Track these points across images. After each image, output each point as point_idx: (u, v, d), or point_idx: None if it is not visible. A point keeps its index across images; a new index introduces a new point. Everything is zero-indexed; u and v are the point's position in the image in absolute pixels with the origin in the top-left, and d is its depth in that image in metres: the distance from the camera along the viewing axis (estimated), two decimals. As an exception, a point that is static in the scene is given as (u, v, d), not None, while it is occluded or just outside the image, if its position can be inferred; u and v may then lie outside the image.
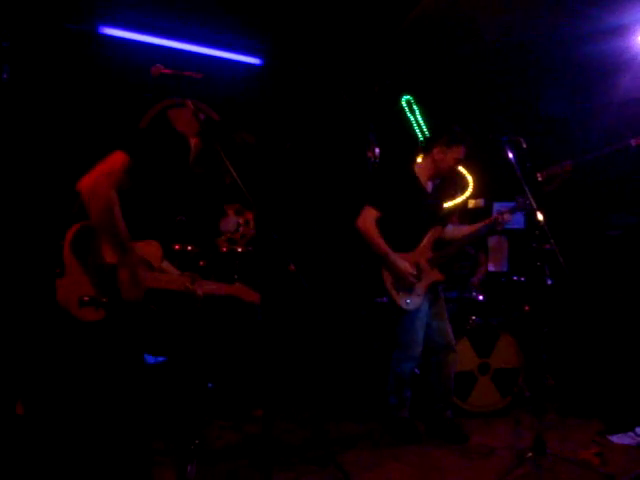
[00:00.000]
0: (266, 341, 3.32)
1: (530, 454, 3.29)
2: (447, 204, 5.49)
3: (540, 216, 3.30)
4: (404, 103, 5.69)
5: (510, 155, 3.38)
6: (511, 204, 3.87)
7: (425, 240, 3.95)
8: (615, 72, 4.83)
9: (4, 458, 3.08)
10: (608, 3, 4.32)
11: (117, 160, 2.27)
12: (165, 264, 2.67)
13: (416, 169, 4.03)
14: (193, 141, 2.54)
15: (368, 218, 3.83)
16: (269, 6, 4.50)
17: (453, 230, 4.15)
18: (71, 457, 3.12)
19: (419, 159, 4.13)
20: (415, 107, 5.67)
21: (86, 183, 2.23)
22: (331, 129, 5.29)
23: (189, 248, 3.73)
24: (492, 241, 5.38)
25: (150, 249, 2.52)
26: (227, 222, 3.85)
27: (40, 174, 3.78)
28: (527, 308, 4.82)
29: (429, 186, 4.05)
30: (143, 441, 2.52)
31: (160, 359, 3.45)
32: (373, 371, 4.54)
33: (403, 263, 3.82)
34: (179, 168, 2.50)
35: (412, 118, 5.67)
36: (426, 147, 4.05)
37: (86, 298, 2.27)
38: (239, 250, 3.76)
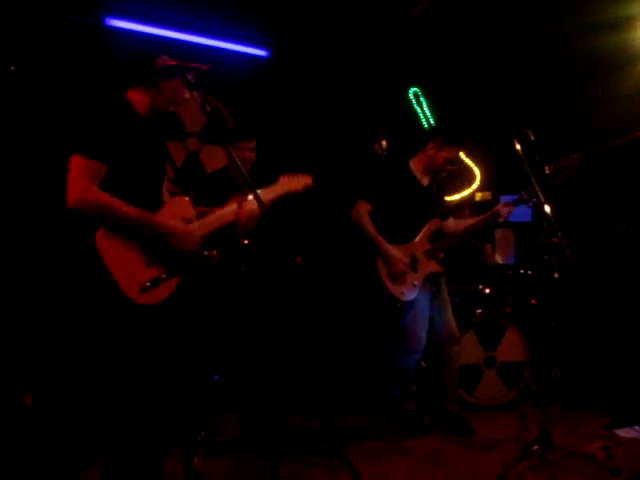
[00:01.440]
0: (272, 334, 3.33)
1: (536, 447, 3.30)
2: (454, 197, 5.50)
3: (548, 209, 3.29)
4: (411, 95, 5.66)
5: (518, 147, 3.37)
6: (515, 197, 3.86)
7: (422, 232, 3.96)
8: (623, 64, 4.80)
9: (15, 449, 3.11)
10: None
11: (75, 164, 2.32)
12: (202, 210, 2.71)
13: (412, 162, 4.05)
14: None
15: (360, 210, 3.91)
16: (276, -2, 4.49)
17: (454, 223, 4.15)
18: (81, 447, 3.15)
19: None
20: (422, 99, 5.65)
21: (69, 199, 2.30)
22: (338, 121, 5.28)
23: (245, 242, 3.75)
24: (499, 234, 5.37)
25: (179, 207, 2.58)
26: None
27: (46, 167, 3.79)
28: (534, 301, 4.81)
29: (425, 179, 4.07)
30: (158, 432, 2.54)
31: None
32: (379, 364, 4.54)
33: (394, 250, 3.84)
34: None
35: (419, 110, 5.65)
36: (421, 141, 4.05)
37: (147, 284, 2.36)
38: (245, 242, 3.76)
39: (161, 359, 2.49)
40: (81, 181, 2.30)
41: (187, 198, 2.63)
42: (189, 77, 2.59)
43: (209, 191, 4.10)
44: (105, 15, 4.37)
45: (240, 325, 3.89)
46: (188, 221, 2.56)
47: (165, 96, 2.54)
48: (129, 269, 2.34)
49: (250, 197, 2.74)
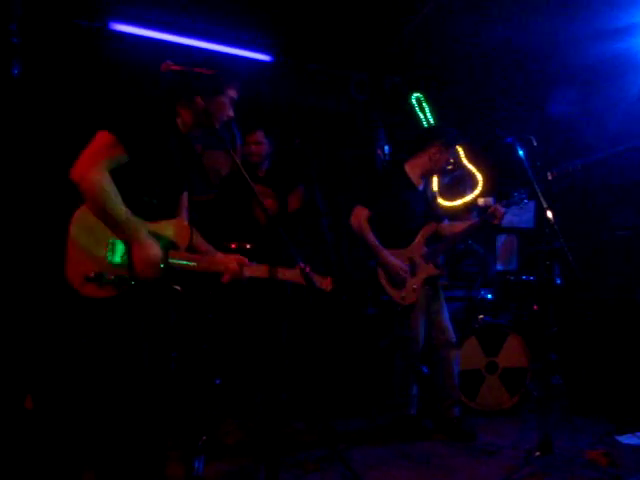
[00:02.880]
0: (276, 338, 3.33)
1: (537, 453, 3.29)
2: (456, 202, 5.50)
3: (550, 215, 3.29)
4: (414, 101, 5.68)
5: (520, 153, 3.37)
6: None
7: (419, 236, 3.98)
8: (625, 71, 4.81)
9: (14, 452, 3.11)
10: (617, 2, 4.29)
11: (100, 140, 2.26)
12: (200, 241, 2.65)
13: (407, 167, 4.05)
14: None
15: (359, 217, 3.91)
16: (280, 3, 4.50)
17: (450, 225, 4.16)
18: (82, 449, 3.14)
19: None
20: (425, 105, 5.66)
21: (75, 169, 2.22)
22: (341, 126, 5.29)
23: (247, 246, 3.75)
24: (501, 240, 5.37)
25: (175, 229, 2.51)
26: None
27: (50, 169, 3.80)
28: (536, 307, 4.81)
29: (421, 183, 4.08)
30: (157, 435, 2.53)
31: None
32: (380, 368, 4.54)
33: (393, 259, 3.85)
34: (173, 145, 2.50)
35: (422, 116, 5.66)
36: (420, 145, 4.05)
37: (91, 274, 2.25)
38: (247, 247, 3.77)
39: (135, 357, 2.39)
40: (96, 159, 2.23)
41: (187, 225, 2.55)
42: (234, 95, 2.59)
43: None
44: (109, 19, 4.39)
45: (242, 330, 3.89)
46: (175, 247, 2.48)
47: (211, 113, 2.52)
48: (86, 255, 2.27)
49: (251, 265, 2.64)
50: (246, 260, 2.61)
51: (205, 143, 4.88)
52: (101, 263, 2.29)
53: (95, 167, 2.22)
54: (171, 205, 2.57)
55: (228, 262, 2.58)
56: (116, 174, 2.28)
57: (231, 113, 2.61)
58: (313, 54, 5.14)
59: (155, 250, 2.36)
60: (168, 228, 2.48)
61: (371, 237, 3.88)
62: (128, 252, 2.33)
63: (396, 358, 3.98)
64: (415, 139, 4.21)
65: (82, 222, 2.28)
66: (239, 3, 4.44)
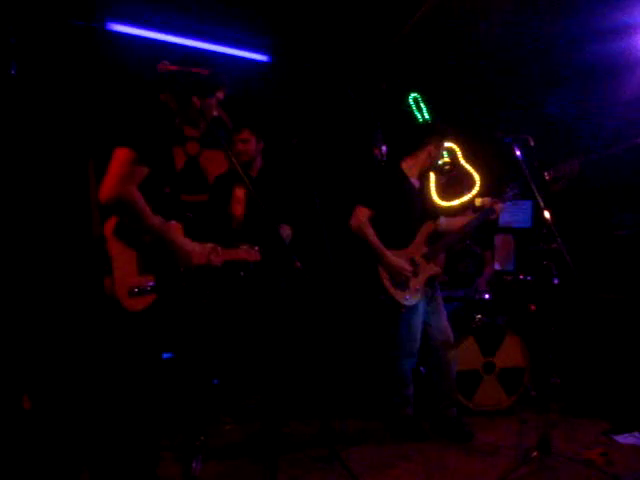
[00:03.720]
0: (275, 338, 3.33)
1: (535, 453, 3.30)
2: (454, 202, 5.50)
3: (547, 215, 3.29)
4: (411, 101, 5.67)
5: (518, 153, 3.37)
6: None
7: (419, 236, 3.97)
8: (622, 71, 4.81)
9: (11, 453, 3.10)
10: (615, 2, 4.29)
11: (120, 157, 2.29)
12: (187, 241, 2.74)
13: (404, 165, 4.05)
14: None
15: (361, 217, 3.87)
16: (276, 3, 4.50)
17: (448, 223, 4.15)
18: (78, 450, 3.14)
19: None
20: (422, 104, 5.66)
21: (103, 192, 2.27)
22: (338, 126, 5.29)
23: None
24: (498, 240, 5.37)
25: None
26: None
27: (47, 169, 3.79)
28: (533, 307, 4.81)
29: (417, 181, 4.08)
30: (151, 437, 2.54)
31: (166, 355, 3.46)
32: (377, 369, 4.54)
33: (397, 260, 3.84)
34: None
35: (419, 115, 5.66)
36: (417, 143, 4.06)
37: (136, 289, 2.39)
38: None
39: (148, 361, 2.51)
40: (124, 178, 2.27)
41: (176, 224, 2.63)
42: (221, 96, 2.65)
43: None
44: (106, 19, 4.38)
45: (239, 329, 3.89)
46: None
47: (199, 111, 2.58)
48: (124, 269, 2.38)
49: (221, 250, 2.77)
50: (218, 247, 2.76)
51: (202, 143, 4.89)
52: (139, 276, 2.43)
53: (125, 188, 2.27)
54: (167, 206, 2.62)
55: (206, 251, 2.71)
56: None
57: (215, 113, 2.66)
58: (310, 54, 5.13)
59: (192, 245, 2.58)
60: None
61: (373, 237, 3.84)
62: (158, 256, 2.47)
63: (394, 358, 3.97)
64: (411, 138, 4.20)
65: (114, 236, 2.39)
66: (236, 3, 4.44)
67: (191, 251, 2.55)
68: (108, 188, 2.25)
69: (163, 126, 2.46)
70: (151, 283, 2.45)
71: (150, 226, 2.37)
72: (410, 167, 4.05)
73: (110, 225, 2.38)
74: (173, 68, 2.54)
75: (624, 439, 3.85)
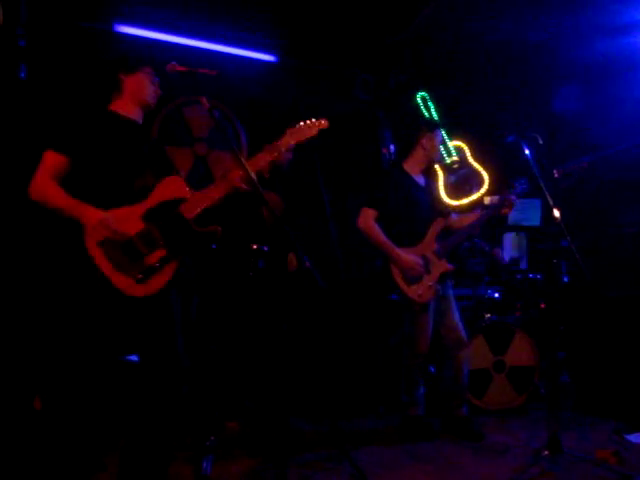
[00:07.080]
0: (284, 340, 3.33)
1: (546, 452, 3.28)
2: (463, 201, 5.49)
3: (557, 213, 3.27)
4: (419, 99, 5.67)
5: (527, 152, 3.36)
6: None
7: (429, 233, 3.96)
8: (631, 68, 4.78)
9: (25, 454, 3.12)
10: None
11: (44, 159, 2.55)
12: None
13: (406, 166, 4.07)
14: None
15: (367, 218, 3.88)
16: (284, 3, 4.50)
17: (459, 219, 4.15)
18: (87, 449, 3.16)
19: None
20: (430, 103, 5.65)
21: (29, 191, 2.54)
22: (346, 126, 5.28)
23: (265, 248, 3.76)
24: (509, 238, 5.36)
25: (173, 186, 2.65)
26: None
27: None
28: (543, 306, 4.79)
29: (422, 179, 4.09)
30: (164, 435, 2.54)
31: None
32: (387, 368, 4.53)
33: (408, 255, 3.83)
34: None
35: (427, 114, 5.65)
36: (411, 141, 4.08)
37: (139, 276, 2.46)
38: (254, 247, 3.77)
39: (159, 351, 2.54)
40: (42, 174, 2.52)
41: (179, 177, 2.70)
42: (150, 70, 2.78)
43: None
44: (114, 21, 4.40)
45: (249, 330, 3.89)
46: (181, 200, 2.63)
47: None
48: (119, 264, 2.47)
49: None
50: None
51: (211, 143, 4.90)
52: (135, 263, 2.47)
53: (40, 182, 2.53)
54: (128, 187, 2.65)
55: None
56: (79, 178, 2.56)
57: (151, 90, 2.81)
58: (317, 54, 5.13)
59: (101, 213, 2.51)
60: (165, 188, 2.63)
61: (381, 236, 3.84)
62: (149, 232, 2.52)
63: (404, 357, 3.97)
64: (405, 139, 4.24)
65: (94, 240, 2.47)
66: (243, 4, 4.44)
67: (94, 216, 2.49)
68: (31, 185, 2.54)
69: (86, 120, 2.63)
70: (157, 264, 2.50)
71: (57, 208, 2.49)
72: (411, 166, 4.07)
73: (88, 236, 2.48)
74: (181, 69, 2.57)
75: (636, 438, 3.82)
